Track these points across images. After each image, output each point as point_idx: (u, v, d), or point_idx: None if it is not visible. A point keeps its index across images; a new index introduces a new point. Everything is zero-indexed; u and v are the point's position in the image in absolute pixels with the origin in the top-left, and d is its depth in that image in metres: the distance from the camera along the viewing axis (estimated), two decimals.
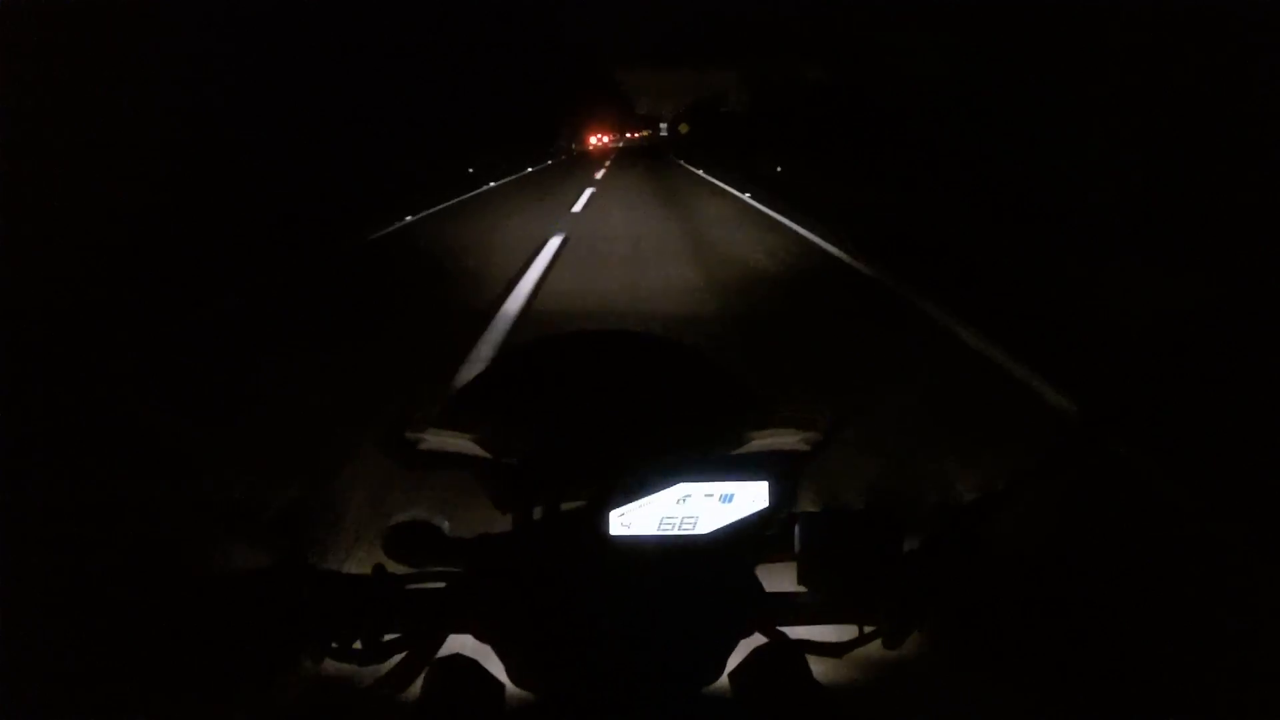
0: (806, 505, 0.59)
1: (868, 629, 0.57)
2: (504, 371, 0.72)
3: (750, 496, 0.52)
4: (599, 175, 15.54)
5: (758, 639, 0.56)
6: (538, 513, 0.57)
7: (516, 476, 0.56)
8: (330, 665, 0.52)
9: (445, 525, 0.55)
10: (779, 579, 0.58)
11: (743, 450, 0.56)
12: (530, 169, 17.68)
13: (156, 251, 4.31)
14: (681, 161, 21.89)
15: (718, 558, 0.54)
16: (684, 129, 25.99)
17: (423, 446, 0.53)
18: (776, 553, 0.58)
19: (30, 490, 0.53)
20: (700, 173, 16.02)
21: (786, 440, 0.57)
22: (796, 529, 0.57)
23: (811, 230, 6.61)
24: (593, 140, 47.76)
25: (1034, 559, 0.63)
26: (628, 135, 65.10)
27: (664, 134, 58.64)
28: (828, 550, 0.56)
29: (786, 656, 0.55)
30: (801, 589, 0.58)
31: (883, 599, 0.57)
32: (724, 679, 0.54)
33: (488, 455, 0.54)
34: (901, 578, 0.57)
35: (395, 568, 0.55)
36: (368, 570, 0.54)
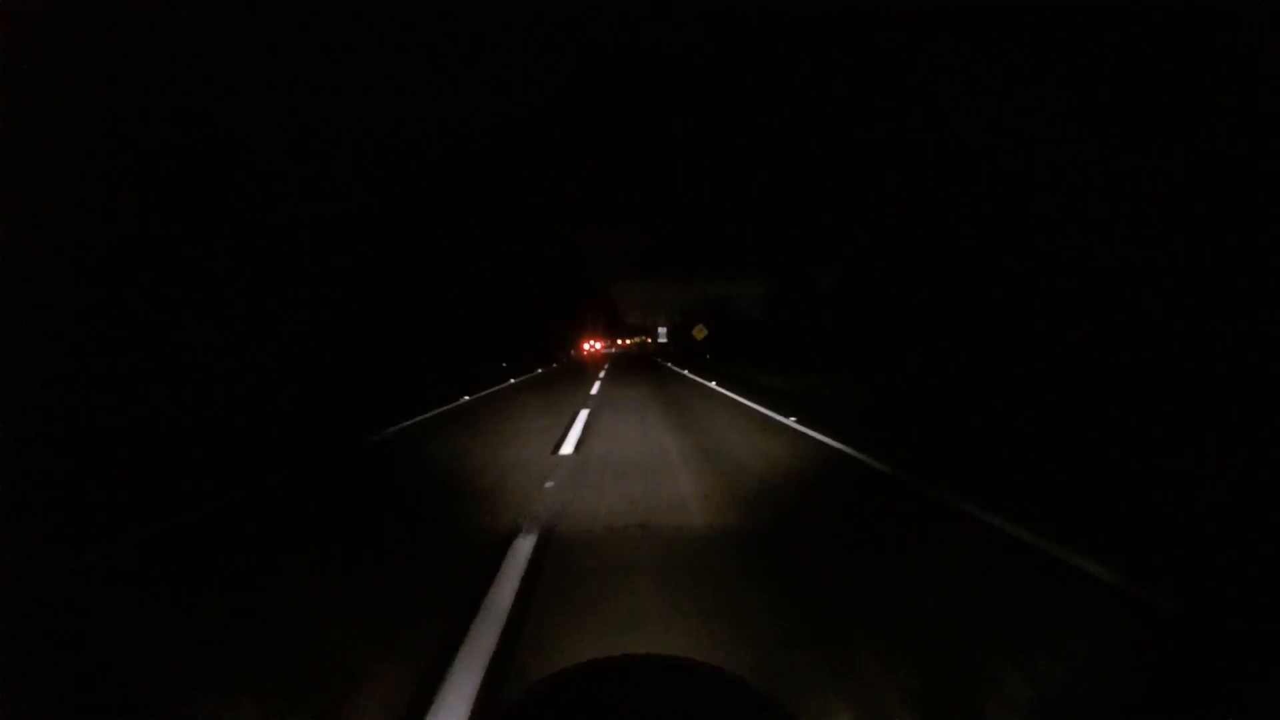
0: None
1: None
2: (534, 703, 0.70)
3: None
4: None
5: None
6: None
7: None
8: None
9: None
10: None
11: None
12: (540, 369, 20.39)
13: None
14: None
15: None
16: (700, 334, 26.02)
17: None
18: None
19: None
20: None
21: None
22: None
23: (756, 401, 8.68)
24: (586, 347, 49.90)
25: None
26: (619, 343, 68.35)
27: (663, 340, 50.47)
28: None
29: None
30: None
31: None
32: None
33: None
34: None
35: None
36: None
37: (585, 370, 20.08)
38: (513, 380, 14.78)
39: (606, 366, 23.01)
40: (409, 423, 7.09)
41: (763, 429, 6.35)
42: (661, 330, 51.48)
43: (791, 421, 6.79)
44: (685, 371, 18.00)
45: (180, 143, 8.44)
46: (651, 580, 2.46)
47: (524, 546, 2.84)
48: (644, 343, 61.32)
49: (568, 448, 5.33)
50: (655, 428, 6.49)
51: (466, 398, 10.13)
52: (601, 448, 5.32)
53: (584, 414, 7.71)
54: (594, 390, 11.57)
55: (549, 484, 4.01)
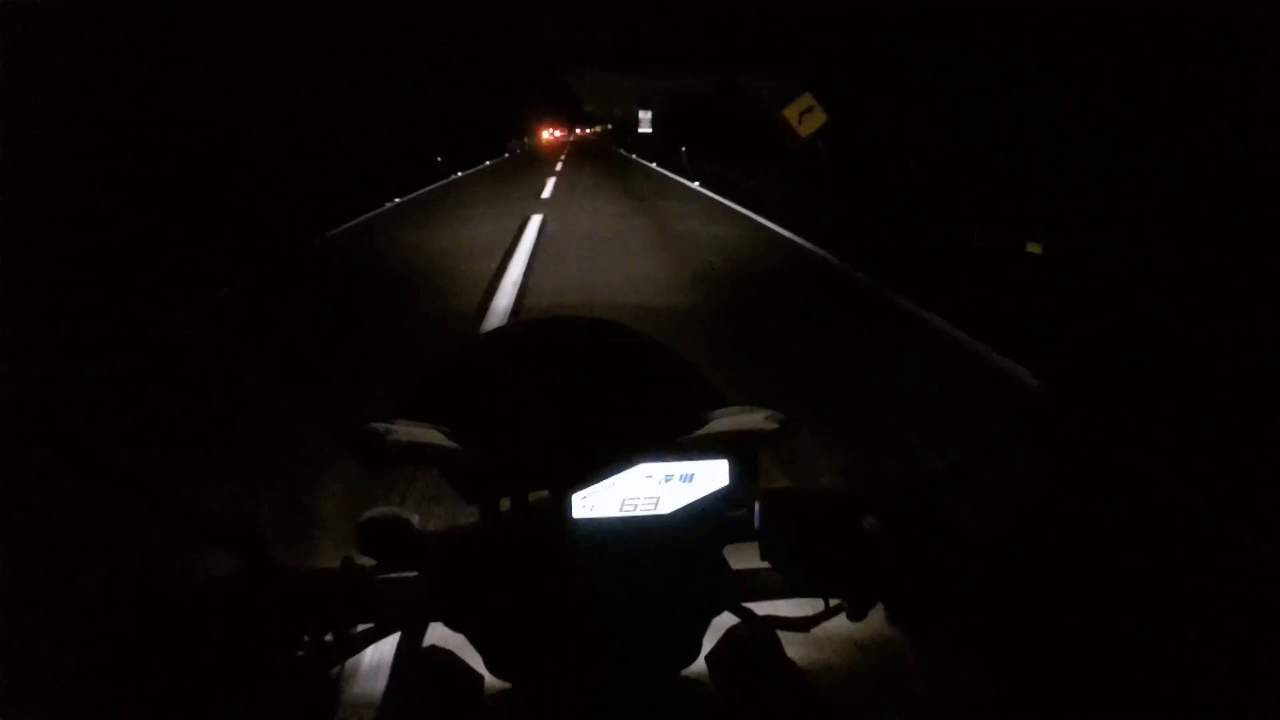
0: (768, 472, 0.59)
1: (833, 603, 0.59)
2: (466, 361, 0.70)
3: (711, 475, 0.53)
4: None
5: (728, 619, 0.58)
6: (505, 503, 0.58)
7: (481, 467, 0.56)
8: (303, 659, 0.52)
9: (415, 519, 0.54)
10: (744, 559, 0.59)
11: (702, 432, 0.56)
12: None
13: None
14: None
15: (683, 538, 0.55)
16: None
17: (390, 439, 0.50)
18: (742, 534, 0.58)
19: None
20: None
21: (745, 421, 0.57)
22: (757, 507, 0.57)
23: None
24: (545, 135, 49.03)
25: (994, 532, 0.63)
26: (577, 131, 65.22)
27: (645, 130, 36.60)
28: (787, 527, 0.57)
29: (760, 636, 0.57)
30: (765, 565, 0.58)
31: (844, 574, 0.58)
32: (701, 662, 0.56)
33: (454, 446, 0.54)
34: (862, 552, 0.57)
35: (366, 563, 0.54)
36: (336, 564, 0.54)
37: (536, 165, 18.59)
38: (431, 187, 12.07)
39: (562, 159, 21.58)
40: None
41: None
42: (644, 116, 38.80)
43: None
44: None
45: None
46: None
47: None
48: (602, 131, 57.60)
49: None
50: None
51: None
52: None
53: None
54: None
55: None
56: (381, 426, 0.50)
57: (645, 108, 34.08)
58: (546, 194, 10.76)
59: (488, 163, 19.09)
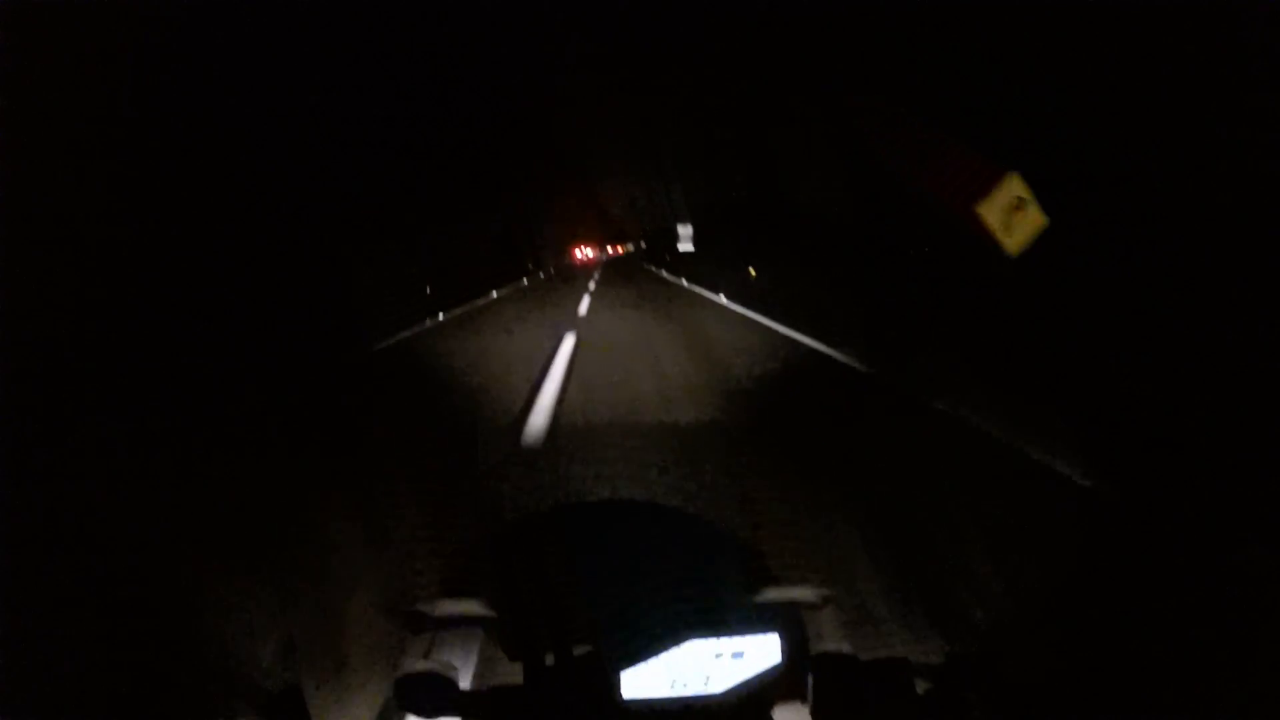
0: (819, 644, 0.57)
1: None
2: (512, 542, 0.70)
3: (761, 651, 0.53)
4: None
5: None
6: (549, 658, 0.57)
7: (526, 633, 0.56)
8: None
9: (456, 674, 0.53)
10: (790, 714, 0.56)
11: (750, 603, 0.56)
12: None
13: None
14: None
15: (733, 716, 0.53)
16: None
17: (434, 614, 0.56)
18: (795, 706, 0.56)
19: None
20: None
21: (793, 593, 0.58)
22: (809, 678, 0.55)
23: None
24: (577, 254, 45.69)
25: (1047, 694, 0.68)
26: (610, 249, 61.85)
27: (686, 247, 34.26)
28: (840, 698, 0.54)
29: None
30: None
31: None
32: None
33: (493, 615, 0.56)
34: None
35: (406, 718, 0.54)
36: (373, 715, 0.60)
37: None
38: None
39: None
40: None
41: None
42: (684, 232, 31.73)
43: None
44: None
45: None
46: None
47: None
48: (635, 249, 55.17)
49: None
50: None
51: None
52: None
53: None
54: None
55: None
56: (424, 607, 0.56)
57: (683, 220, 27.33)
58: None
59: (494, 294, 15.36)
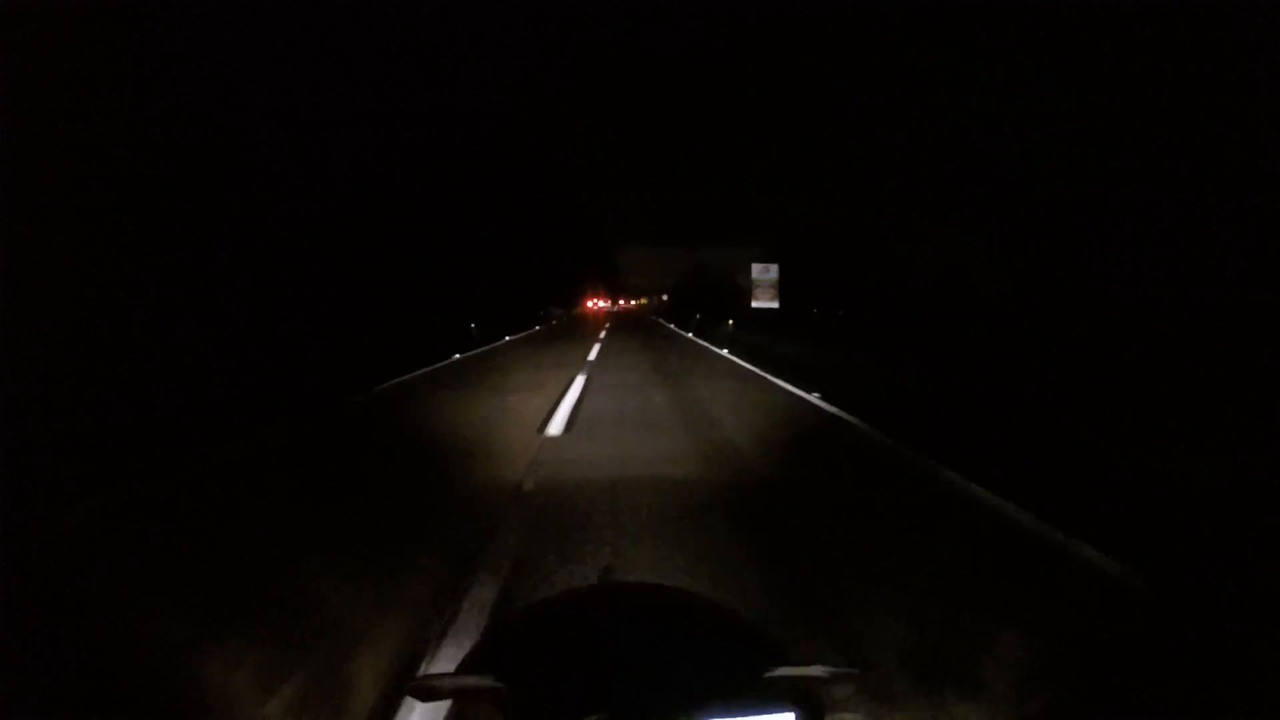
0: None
1: None
2: (522, 625, 0.73)
3: None
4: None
5: None
6: None
7: (538, 710, 0.55)
8: None
9: None
10: None
11: (765, 680, 0.55)
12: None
13: None
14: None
15: None
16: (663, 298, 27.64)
17: (445, 686, 0.55)
18: None
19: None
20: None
21: (808, 670, 0.56)
22: None
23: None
24: (590, 304, 52.33)
25: None
26: (620, 303, 68.71)
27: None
28: None
29: None
30: None
31: None
32: None
33: (500, 685, 0.55)
34: None
35: None
36: None
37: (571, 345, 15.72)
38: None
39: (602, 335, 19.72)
40: None
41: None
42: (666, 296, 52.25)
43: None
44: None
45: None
46: None
47: None
48: (641, 303, 66.37)
49: None
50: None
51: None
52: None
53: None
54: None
55: None
56: (437, 683, 0.56)
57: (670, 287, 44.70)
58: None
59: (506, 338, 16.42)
